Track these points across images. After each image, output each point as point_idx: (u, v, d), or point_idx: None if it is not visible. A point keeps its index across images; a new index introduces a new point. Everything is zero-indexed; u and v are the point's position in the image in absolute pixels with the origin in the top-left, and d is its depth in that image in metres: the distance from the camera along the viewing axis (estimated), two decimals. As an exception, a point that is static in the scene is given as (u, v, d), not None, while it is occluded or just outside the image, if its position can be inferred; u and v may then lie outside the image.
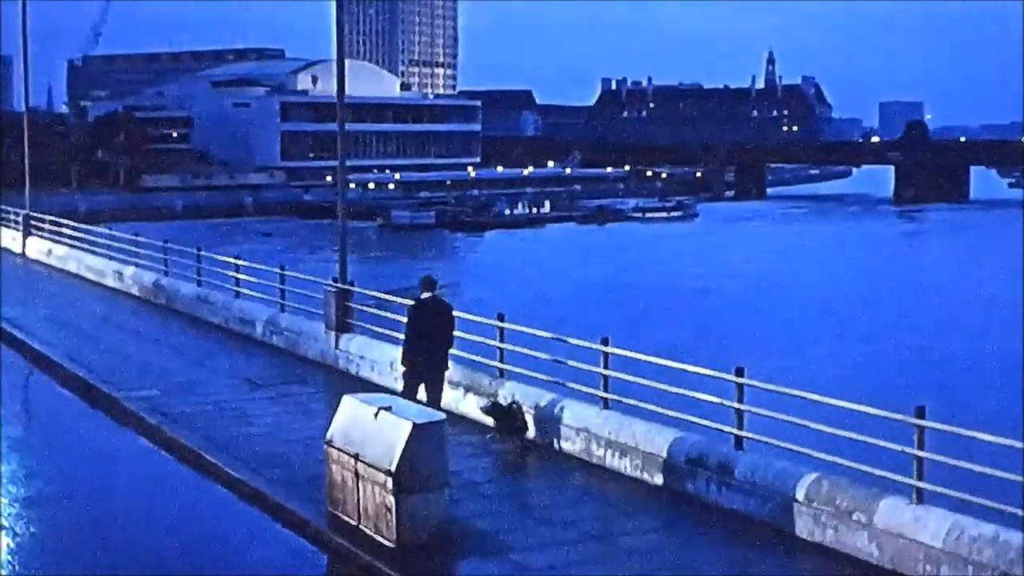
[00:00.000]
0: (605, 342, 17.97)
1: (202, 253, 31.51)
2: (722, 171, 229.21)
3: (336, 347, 24.33)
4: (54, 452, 19.90)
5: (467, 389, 20.53)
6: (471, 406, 20.25)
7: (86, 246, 40.74)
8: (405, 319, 19.43)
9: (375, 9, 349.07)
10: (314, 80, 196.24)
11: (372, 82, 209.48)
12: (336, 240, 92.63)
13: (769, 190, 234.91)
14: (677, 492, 16.26)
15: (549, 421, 18.66)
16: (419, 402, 17.98)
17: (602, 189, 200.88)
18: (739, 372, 15.74)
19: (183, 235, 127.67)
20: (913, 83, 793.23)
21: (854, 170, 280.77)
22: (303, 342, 25.72)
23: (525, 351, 19.90)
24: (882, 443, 13.92)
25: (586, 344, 18.34)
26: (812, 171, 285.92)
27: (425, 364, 18.79)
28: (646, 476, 16.82)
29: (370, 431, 15.23)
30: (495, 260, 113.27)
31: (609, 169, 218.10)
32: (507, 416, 19.05)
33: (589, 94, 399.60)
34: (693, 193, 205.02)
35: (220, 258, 30.67)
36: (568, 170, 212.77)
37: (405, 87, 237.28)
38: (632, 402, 17.67)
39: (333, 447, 15.80)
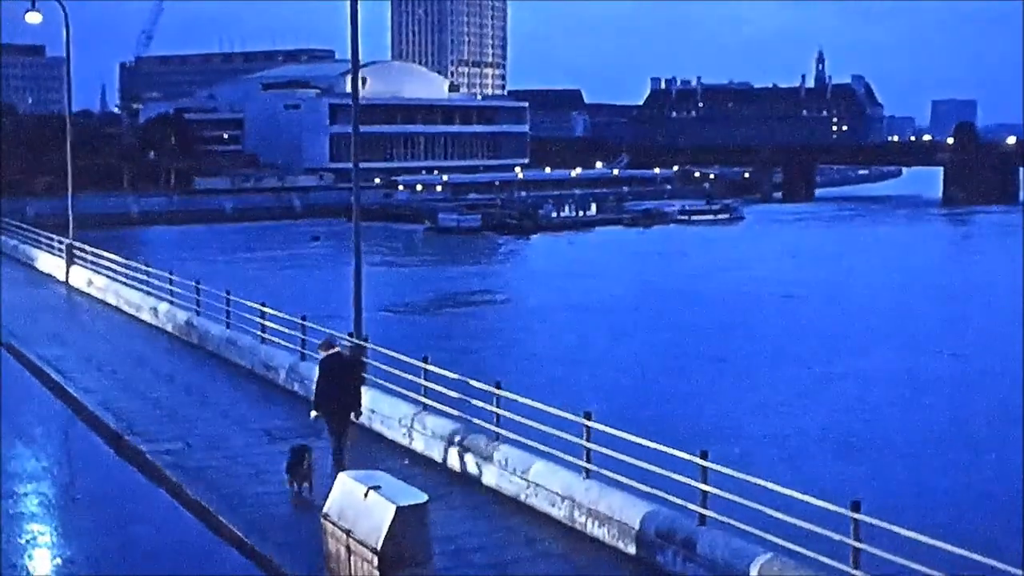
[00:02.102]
0: (588, 416, 19.29)
1: (230, 297, 32.87)
2: (770, 172, 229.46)
3: (351, 399, 25.67)
4: (85, 513, 21.36)
5: (466, 449, 21.93)
6: (470, 465, 21.68)
7: (124, 279, 42.24)
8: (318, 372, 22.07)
9: (424, 10, 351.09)
10: (363, 82, 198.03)
11: (421, 84, 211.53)
12: (383, 244, 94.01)
13: (818, 191, 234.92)
14: (648, 563, 17.54)
15: (538, 487, 20.03)
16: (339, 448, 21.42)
17: (650, 190, 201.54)
18: (703, 455, 17.03)
19: (232, 238, 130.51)
20: (967, 80, 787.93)
21: (904, 170, 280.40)
22: (321, 392, 27.05)
23: (518, 418, 21.19)
24: (821, 530, 15.17)
25: (570, 416, 19.63)
26: (862, 171, 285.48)
27: (337, 413, 21.62)
28: (621, 545, 18.13)
29: (360, 509, 16.66)
30: (539, 265, 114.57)
31: (657, 170, 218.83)
32: (298, 462, 21.00)
33: (638, 93, 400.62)
34: (741, 194, 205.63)
35: (248, 303, 31.97)
36: (616, 171, 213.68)
37: (453, 88, 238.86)
38: (610, 474, 18.96)
39: (329, 521, 17.26)
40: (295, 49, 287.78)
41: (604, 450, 19.05)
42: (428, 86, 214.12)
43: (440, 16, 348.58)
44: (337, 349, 22.29)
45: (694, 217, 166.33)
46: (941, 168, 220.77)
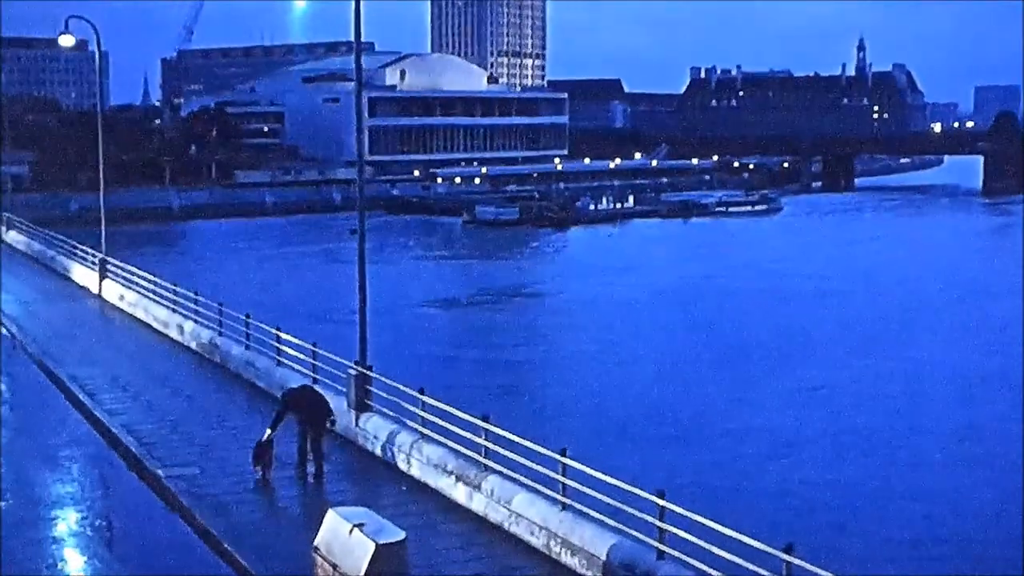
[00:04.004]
0: (563, 452, 20.80)
1: (250, 320, 34.48)
2: (809, 162, 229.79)
3: (356, 424, 27.33)
4: (104, 539, 22.97)
5: (457, 478, 23.52)
6: (460, 493, 23.29)
7: (153, 295, 43.95)
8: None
9: (463, 1, 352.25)
10: (402, 75, 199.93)
11: (460, 76, 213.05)
12: (421, 237, 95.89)
13: (858, 180, 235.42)
14: (613, 593, 19.15)
15: (519, 517, 21.58)
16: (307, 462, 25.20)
17: (688, 181, 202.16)
18: (660, 495, 18.54)
19: (273, 233, 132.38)
20: (1011, 66, 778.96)
21: (945, 158, 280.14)
22: (330, 415, 28.69)
23: (503, 451, 22.72)
24: (757, 569, 16.66)
25: (548, 453, 21.14)
26: (903, 160, 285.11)
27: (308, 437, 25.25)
28: (590, 575, 19.68)
29: (345, 545, 18.31)
30: (575, 261, 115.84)
31: (695, 161, 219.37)
32: (263, 448, 24.91)
33: (679, 82, 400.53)
34: (781, 184, 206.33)
35: (264, 327, 33.54)
36: (654, 162, 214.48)
37: (492, 80, 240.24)
38: (582, 507, 20.48)
39: (319, 554, 18.91)
40: (335, 41, 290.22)
41: (577, 485, 20.53)
42: (467, 78, 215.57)
43: (479, 7, 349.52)
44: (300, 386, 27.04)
45: (732, 208, 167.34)
46: (981, 158, 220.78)
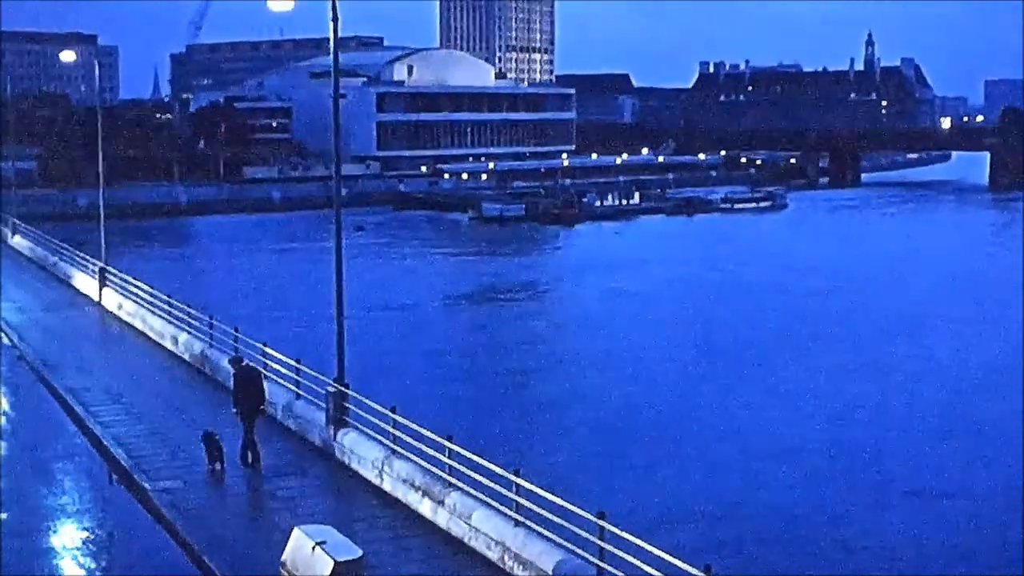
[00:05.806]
0: (516, 473, 22.30)
1: (239, 334, 35.92)
2: (816, 157, 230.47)
3: (334, 439, 28.87)
4: (92, 550, 24.42)
5: (424, 493, 25.03)
6: (426, 508, 24.79)
7: (150, 306, 45.44)
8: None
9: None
10: (410, 70, 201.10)
11: (467, 71, 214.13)
12: (427, 233, 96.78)
13: (865, 176, 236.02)
14: (558, 605, 20.66)
15: (478, 532, 23.10)
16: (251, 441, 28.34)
17: (695, 177, 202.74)
18: (600, 515, 20.03)
19: (279, 229, 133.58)
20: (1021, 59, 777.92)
21: (953, 153, 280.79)
22: (311, 430, 30.22)
23: (464, 469, 24.21)
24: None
25: (503, 473, 22.64)
26: (911, 155, 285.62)
27: (244, 412, 28.49)
28: (538, 588, 21.25)
29: (308, 562, 19.87)
30: (578, 259, 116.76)
31: (702, 156, 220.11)
32: (211, 443, 27.94)
33: (688, 76, 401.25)
34: (787, 180, 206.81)
35: (252, 341, 34.92)
36: (661, 158, 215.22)
37: (500, 75, 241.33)
38: (535, 527, 21.96)
39: (285, 569, 20.46)
40: (344, 36, 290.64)
41: (528, 504, 22.01)
42: (475, 73, 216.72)
43: (488, 3, 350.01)
44: (244, 363, 29.85)
45: (737, 205, 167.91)
46: (987, 153, 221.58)
